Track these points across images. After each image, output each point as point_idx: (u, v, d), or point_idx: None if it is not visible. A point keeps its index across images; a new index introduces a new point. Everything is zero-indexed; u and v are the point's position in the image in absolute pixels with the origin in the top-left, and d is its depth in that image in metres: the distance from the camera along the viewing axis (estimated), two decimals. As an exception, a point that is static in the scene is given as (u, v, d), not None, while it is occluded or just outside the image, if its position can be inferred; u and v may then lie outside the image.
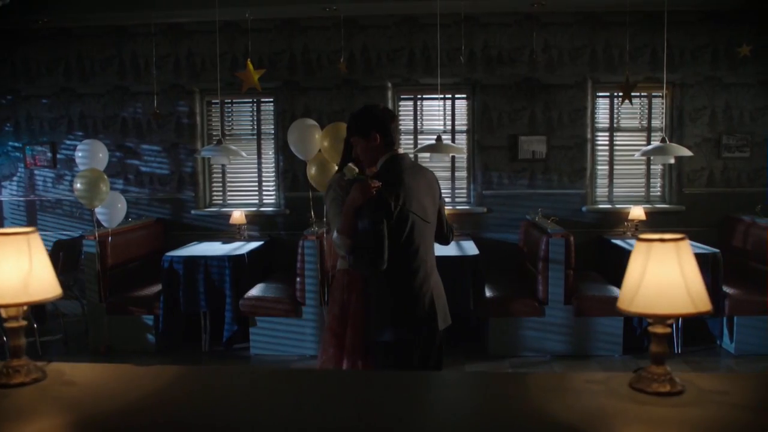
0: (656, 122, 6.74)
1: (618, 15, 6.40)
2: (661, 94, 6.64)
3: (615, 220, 6.65)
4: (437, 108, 6.92)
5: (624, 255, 5.76)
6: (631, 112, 6.79)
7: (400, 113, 6.97)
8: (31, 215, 7.15)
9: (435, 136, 6.13)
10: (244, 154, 6.31)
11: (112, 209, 5.75)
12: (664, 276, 1.51)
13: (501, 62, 6.66)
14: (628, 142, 6.76)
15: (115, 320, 5.75)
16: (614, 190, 6.85)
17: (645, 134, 6.75)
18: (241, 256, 5.76)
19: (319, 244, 5.52)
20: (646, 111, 6.78)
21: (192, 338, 5.88)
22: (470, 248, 5.93)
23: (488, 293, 5.64)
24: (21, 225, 7.03)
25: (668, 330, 1.58)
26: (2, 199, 7.19)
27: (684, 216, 6.63)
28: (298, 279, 5.56)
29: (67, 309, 6.87)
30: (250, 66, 5.97)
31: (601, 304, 5.43)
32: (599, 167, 6.84)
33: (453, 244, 6.21)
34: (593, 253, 6.59)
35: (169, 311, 5.64)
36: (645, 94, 6.70)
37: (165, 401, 1.55)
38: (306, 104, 6.81)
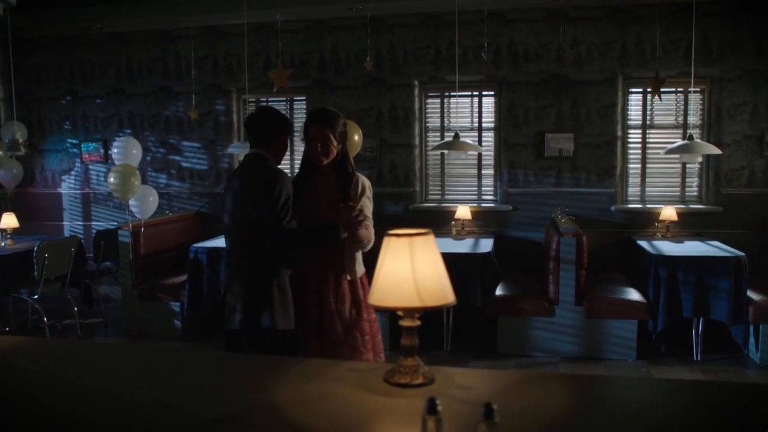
0: (693, 119, 6.44)
1: (649, 7, 6.16)
2: (698, 89, 6.34)
3: (645, 220, 6.41)
4: (464, 105, 6.93)
5: (646, 257, 5.58)
6: (666, 109, 6.52)
7: (428, 111, 7.02)
8: (86, 207, 7.73)
9: (462, 135, 6.17)
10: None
11: (143, 202, 6.15)
12: (396, 270, 1.53)
13: (527, 59, 6.57)
14: (662, 140, 6.48)
15: (146, 306, 6.14)
16: (647, 189, 6.59)
17: (681, 131, 6.46)
18: (261, 248, 5.99)
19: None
20: (682, 107, 6.48)
21: (216, 325, 6.18)
22: (484, 246, 5.91)
23: (500, 291, 5.61)
24: (77, 216, 7.65)
25: (416, 323, 1.59)
26: (62, 191, 7.81)
27: (720, 217, 6.29)
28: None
29: (116, 294, 7.42)
30: (280, 66, 6.23)
31: (614, 307, 5.28)
32: (631, 165, 6.61)
33: (468, 241, 6.24)
34: (621, 254, 6.39)
35: (193, 299, 5.96)
36: (681, 89, 6.41)
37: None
38: (335, 102, 6.97)
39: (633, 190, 6.63)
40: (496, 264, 5.95)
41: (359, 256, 3.02)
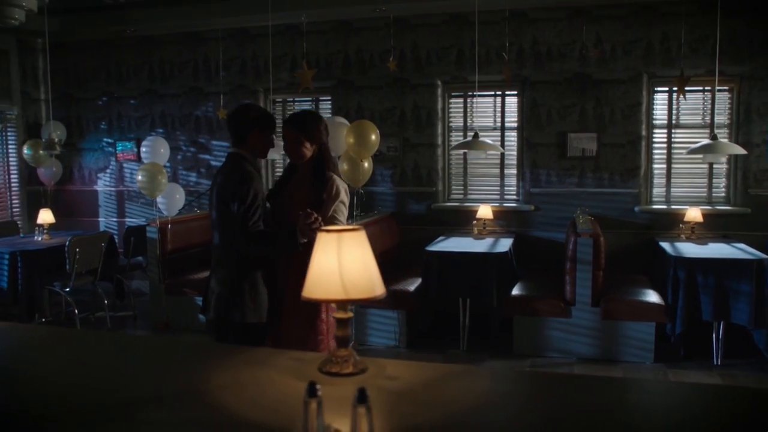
0: (722, 118, 6.31)
1: (675, 5, 6.06)
2: (726, 87, 6.21)
3: (670, 221, 6.30)
4: (487, 105, 6.94)
5: (666, 258, 5.49)
6: (692, 108, 6.40)
7: (451, 110, 7.04)
8: (120, 203, 8.01)
9: (485, 134, 6.20)
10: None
11: (170, 199, 6.35)
12: (324, 264, 1.58)
13: (550, 58, 6.53)
14: (688, 140, 6.35)
15: (173, 300, 6.33)
16: (672, 190, 6.48)
17: (708, 131, 6.31)
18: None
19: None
20: (709, 106, 6.35)
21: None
22: (502, 245, 5.91)
23: (517, 291, 5.60)
24: (112, 212, 7.93)
25: (349, 315, 1.64)
26: (98, 189, 8.12)
27: (748, 219, 6.14)
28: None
29: (147, 289, 7.66)
30: (305, 67, 6.37)
31: (631, 308, 5.22)
32: (656, 166, 6.51)
33: (488, 240, 6.24)
34: (643, 256, 6.30)
35: (217, 294, 6.13)
36: (708, 88, 6.27)
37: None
38: (359, 102, 7.07)
39: (658, 191, 6.52)
40: (514, 264, 5.95)
41: None
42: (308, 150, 3.03)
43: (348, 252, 1.55)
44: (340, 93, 7.17)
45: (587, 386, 1.57)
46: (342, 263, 1.54)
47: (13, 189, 8.01)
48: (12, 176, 7.98)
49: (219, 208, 2.98)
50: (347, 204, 3.08)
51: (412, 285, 5.80)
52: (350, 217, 6.03)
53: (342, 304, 1.59)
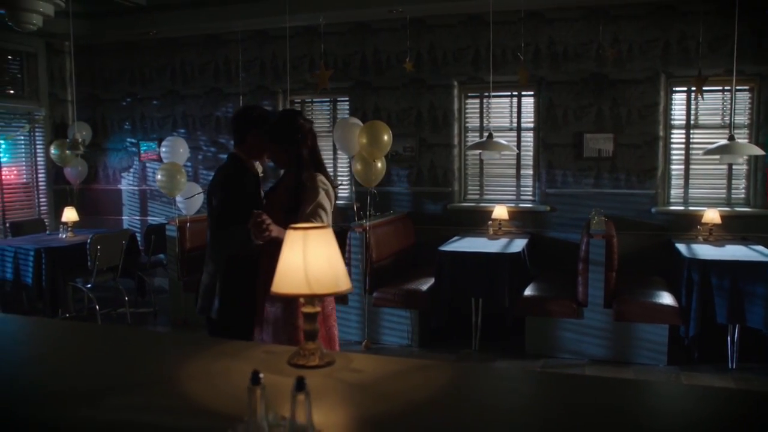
0: (742, 118, 6.22)
1: (693, 4, 5.99)
2: (746, 87, 6.12)
3: (687, 223, 6.23)
4: (504, 106, 6.94)
5: (681, 260, 5.44)
6: (711, 108, 6.32)
7: (467, 111, 7.06)
8: (143, 202, 8.19)
9: (502, 134, 6.20)
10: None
11: (189, 198, 6.47)
12: (290, 260, 1.63)
13: (567, 58, 6.50)
14: (707, 140, 6.27)
15: (190, 297, 6.44)
16: (690, 191, 6.41)
17: (727, 131, 6.22)
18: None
19: (365, 236, 5.80)
20: (728, 106, 6.26)
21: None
22: (515, 246, 5.91)
23: (529, 292, 5.60)
24: (135, 211, 8.10)
25: (317, 309, 1.69)
26: (122, 188, 8.31)
27: (768, 221, 6.05)
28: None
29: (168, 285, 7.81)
30: (323, 67, 6.46)
31: (643, 310, 5.19)
32: (674, 167, 6.44)
33: (502, 241, 6.25)
34: (660, 257, 6.23)
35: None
36: (727, 88, 6.19)
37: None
38: (376, 103, 7.12)
39: (675, 192, 6.46)
40: (528, 264, 5.94)
41: None
42: (278, 153, 2.99)
43: (313, 249, 1.61)
44: (358, 94, 7.23)
45: (584, 386, 1.58)
46: (307, 260, 1.60)
47: (41, 188, 8.23)
48: (40, 175, 8.21)
49: (208, 206, 3.09)
50: (328, 207, 2.93)
51: (425, 285, 5.84)
52: (364, 217, 6.10)
53: (309, 299, 1.65)
